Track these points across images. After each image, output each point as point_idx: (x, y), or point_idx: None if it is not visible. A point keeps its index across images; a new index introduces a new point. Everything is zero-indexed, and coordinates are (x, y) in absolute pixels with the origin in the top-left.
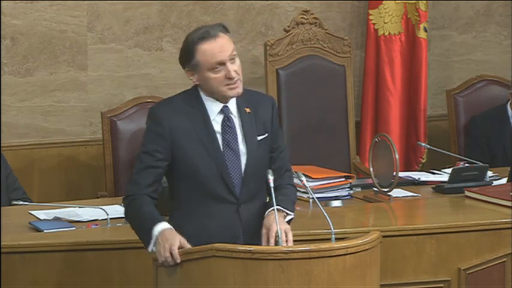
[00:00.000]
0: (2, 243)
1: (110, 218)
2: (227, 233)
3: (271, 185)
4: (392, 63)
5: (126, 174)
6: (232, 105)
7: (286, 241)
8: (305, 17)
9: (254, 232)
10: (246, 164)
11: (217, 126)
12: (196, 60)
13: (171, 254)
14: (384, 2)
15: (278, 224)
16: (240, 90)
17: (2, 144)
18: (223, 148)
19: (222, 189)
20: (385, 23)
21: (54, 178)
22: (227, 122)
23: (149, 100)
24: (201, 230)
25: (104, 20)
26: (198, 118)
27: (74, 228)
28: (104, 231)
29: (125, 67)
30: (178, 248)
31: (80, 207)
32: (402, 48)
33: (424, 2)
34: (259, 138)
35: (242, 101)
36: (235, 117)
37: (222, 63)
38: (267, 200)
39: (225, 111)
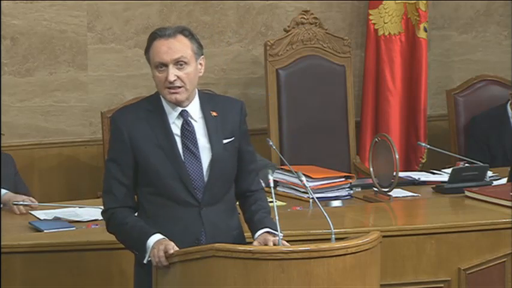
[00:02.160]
0: (2, 243)
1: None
2: (189, 236)
3: (271, 185)
4: (392, 63)
5: None
6: (194, 109)
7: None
8: (305, 17)
9: (217, 236)
10: (211, 167)
11: (176, 130)
12: (148, 54)
13: (165, 253)
14: (384, 2)
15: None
16: (179, 97)
17: (2, 144)
18: (183, 152)
19: (182, 193)
20: (385, 23)
21: (54, 178)
22: (186, 126)
23: None
24: (164, 234)
25: (104, 20)
26: (157, 122)
27: (74, 228)
28: (104, 231)
29: (125, 67)
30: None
31: (80, 207)
32: (402, 48)
33: (424, 2)
34: (225, 141)
35: (208, 105)
36: (196, 121)
37: (164, 65)
38: (251, 215)
39: (183, 115)
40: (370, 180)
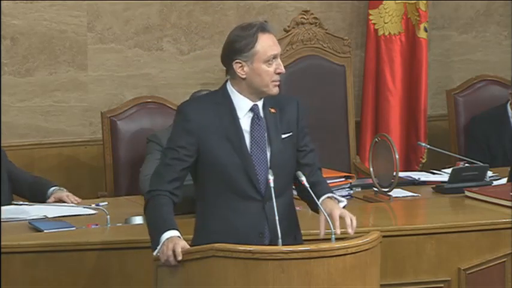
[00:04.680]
0: (2, 243)
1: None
2: (252, 230)
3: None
4: (392, 63)
5: (126, 174)
6: (260, 104)
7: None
8: (305, 17)
9: (280, 230)
10: (271, 162)
11: (245, 125)
12: (255, 49)
13: (174, 252)
14: (384, 2)
15: (339, 210)
16: (278, 89)
17: (2, 144)
18: (250, 146)
19: (247, 187)
20: (385, 23)
21: (54, 178)
22: (256, 120)
23: (149, 100)
24: (227, 226)
25: (104, 20)
26: (226, 116)
27: (74, 228)
28: (104, 231)
29: (125, 67)
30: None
31: (28, 204)
32: (402, 48)
33: (424, 2)
34: (283, 136)
35: (268, 101)
36: (263, 116)
37: (276, 57)
38: (310, 191)
39: (254, 109)
40: (370, 180)
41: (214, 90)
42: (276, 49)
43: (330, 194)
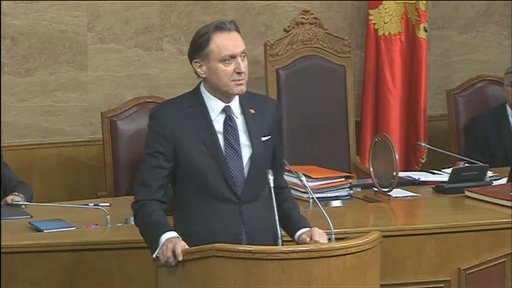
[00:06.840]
0: (2, 243)
1: None
2: (229, 232)
3: (271, 185)
4: (392, 63)
5: (126, 174)
6: (235, 105)
7: None
8: (305, 17)
9: (257, 234)
10: (250, 165)
11: (218, 126)
12: (209, 49)
13: (174, 253)
14: (383, 2)
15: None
16: (244, 88)
17: (2, 144)
18: (224, 148)
19: (224, 189)
20: (385, 23)
21: (54, 178)
22: (229, 122)
23: (149, 100)
24: (204, 229)
25: (104, 20)
26: (199, 118)
27: (74, 228)
28: (104, 231)
29: (125, 67)
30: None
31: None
32: (402, 48)
33: (424, 2)
34: (263, 139)
35: (246, 102)
36: (237, 117)
37: (233, 57)
38: (286, 211)
39: (227, 110)
40: (370, 180)
41: (188, 92)
42: (233, 49)
43: (309, 229)
